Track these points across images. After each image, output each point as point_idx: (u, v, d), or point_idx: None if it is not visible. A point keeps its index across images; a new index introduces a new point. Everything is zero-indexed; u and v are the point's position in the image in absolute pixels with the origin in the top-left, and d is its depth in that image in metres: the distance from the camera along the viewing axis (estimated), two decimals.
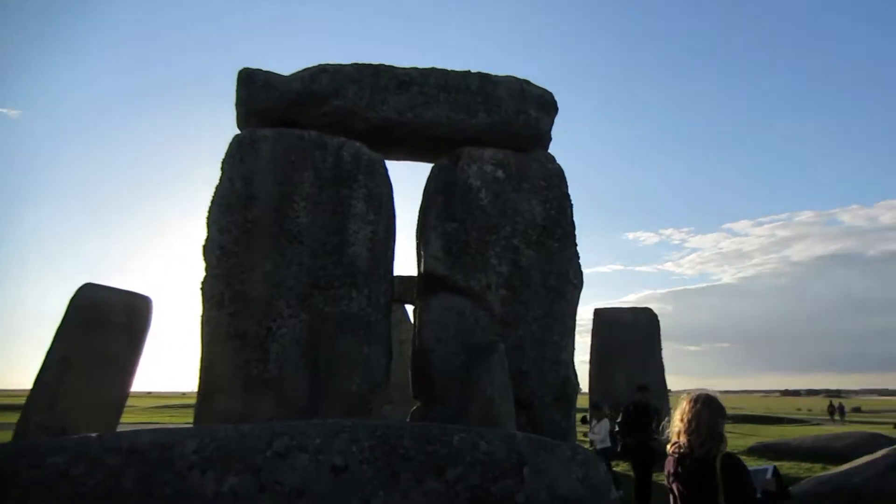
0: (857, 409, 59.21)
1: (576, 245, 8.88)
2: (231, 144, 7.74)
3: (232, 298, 7.31)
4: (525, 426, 7.82)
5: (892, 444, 11.65)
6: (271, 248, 7.46)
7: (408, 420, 7.90)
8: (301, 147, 7.80)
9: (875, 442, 13.25)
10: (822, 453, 13.14)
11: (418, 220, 8.79)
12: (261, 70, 8.05)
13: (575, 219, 8.92)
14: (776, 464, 4.49)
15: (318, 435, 4.01)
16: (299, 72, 8.17)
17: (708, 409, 3.20)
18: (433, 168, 8.83)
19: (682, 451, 3.23)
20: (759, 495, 3.10)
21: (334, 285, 7.63)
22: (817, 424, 36.34)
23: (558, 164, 9.08)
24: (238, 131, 8.10)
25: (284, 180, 7.63)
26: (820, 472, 10.26)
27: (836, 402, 53.53)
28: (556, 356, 8.54)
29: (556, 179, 8.97)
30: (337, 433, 4.04)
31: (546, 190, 8.86)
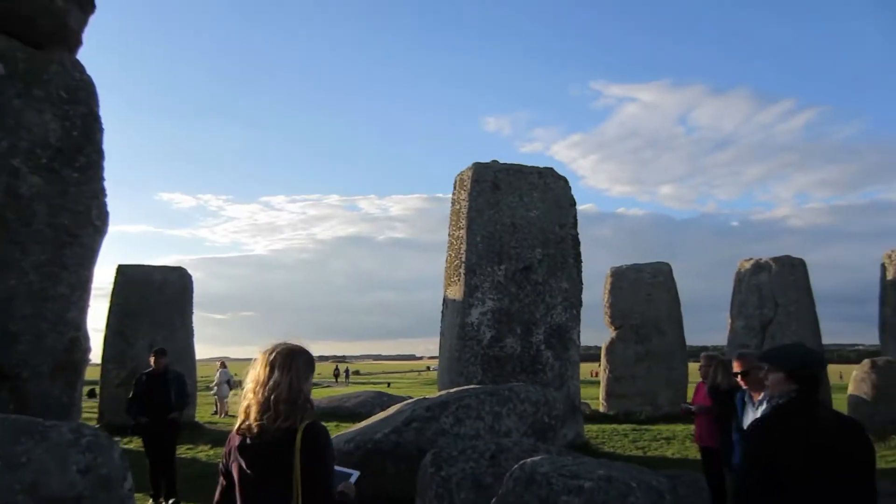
0: (357, 372, 68.35)
1: (103, 179, 7.17)
2: None
3: None
4: (7, 403, 5.92)
5: (394, 401, 13.20)
6: None
7: None
8: None
9: (380, 399, 14.94)
10: (336, 412, 14.18)
11: None
12: None
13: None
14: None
15: None
16: None
17: (294, 368, 2.44)
18: None
19: (255, 423, 2.40)
20: (343, 490, 2.48)
21: None
22: (327, 386, 40.36)
23: (89, 76, 7.19)
24: None
25: None
26: (335, 429, 10.85)
27: (341, 366, 60.64)
28: (63, 314, 6.73)
29: (83, 94, 7.07)
30: None
31: (68, 104, 6.90)
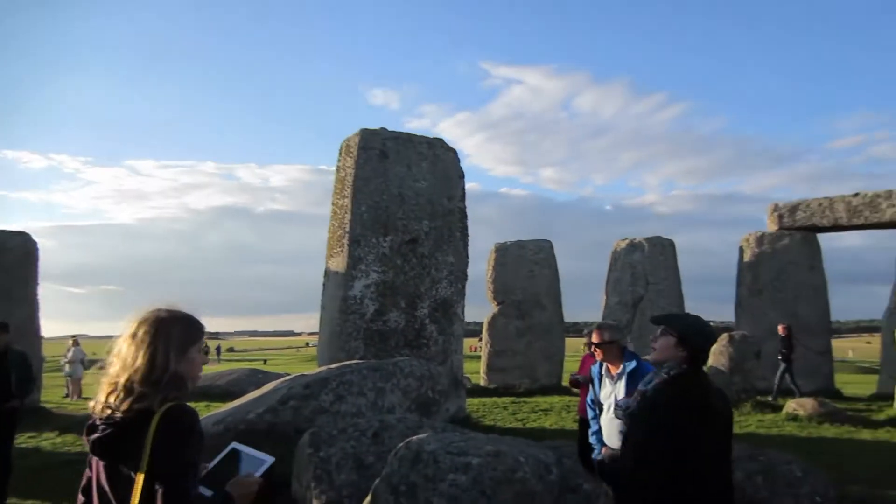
0: (231, 349, 65.72)
1: None
2: None
3: None
4: None
5: (269, 378, 12.54)
6: None
7: None
8: None
9: (254, 377, 14.17)
10: (207, 391, 13.29)
11: None
12: None
13: None
14: None
15: None
16: None
17: (161, 339, 1.98)
18: None
19: (101, 404, 1.95)
20: (227, 490, 2.01)
21: None
22: None
23: None
24: None
25: None
26: (205, 410, 10.09)
27: (212, 343, 57.92)
28: None
29: None
30: None
31: None
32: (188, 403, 2.01)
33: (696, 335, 2.70)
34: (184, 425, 1.92)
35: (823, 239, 15.93)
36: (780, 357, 13.49)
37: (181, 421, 1.92)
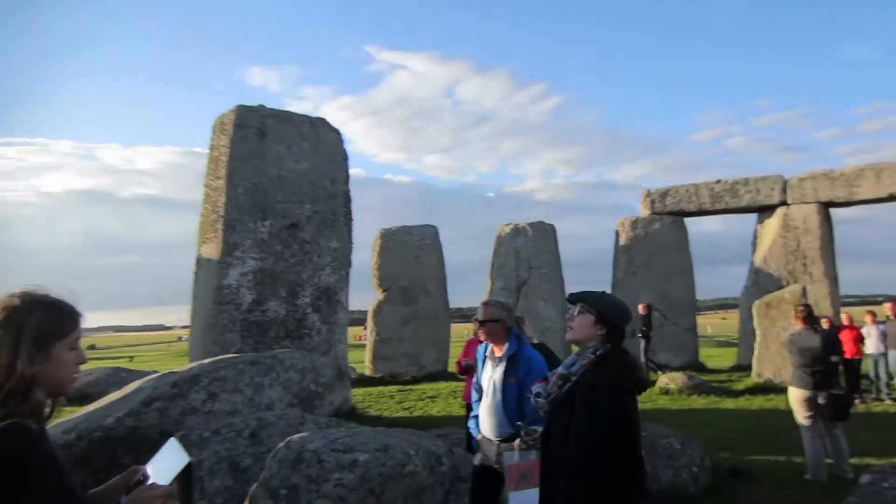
0: (92, 347, 60.85)
1: None
2: None
3: None
4: None
5: (134, 377, 11.52)
6: None
7: None
8: None
9: (117, 376, 12.97)
10: None
11: None
12: None
13: None
14: None
15: None
16: None
17: (11, 328, 1.53)
18: None
19: None
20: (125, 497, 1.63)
21: None
22: None
23: None
24: None
25: None
26: (57, 416, 9.07)
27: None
28: None
29: None
30: None
31: None
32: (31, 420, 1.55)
33: (614, 313, 2.69)
34: (6, 454, 1.44)
35: (689, 223, 16.95)
36: (640, 335, 14.21)
37: (3, 448, 1.45)
